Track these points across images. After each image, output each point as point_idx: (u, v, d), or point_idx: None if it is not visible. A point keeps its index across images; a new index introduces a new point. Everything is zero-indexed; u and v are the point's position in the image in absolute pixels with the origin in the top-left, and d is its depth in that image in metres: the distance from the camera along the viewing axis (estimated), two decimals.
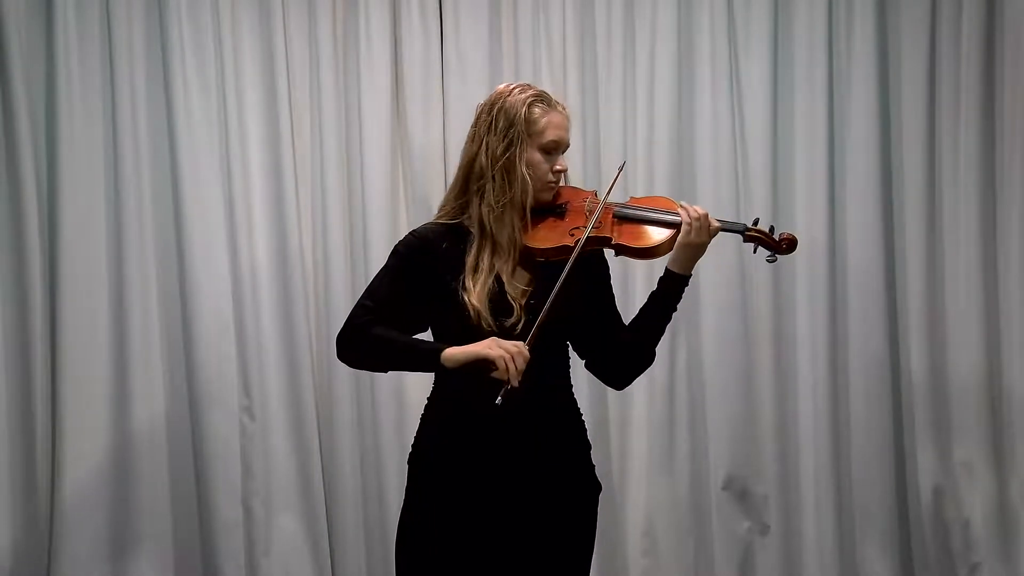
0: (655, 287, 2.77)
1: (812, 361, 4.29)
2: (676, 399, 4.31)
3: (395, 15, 4.21)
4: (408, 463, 2.71)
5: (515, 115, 2.63)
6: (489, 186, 2.63)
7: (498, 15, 4.26)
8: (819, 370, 4.29)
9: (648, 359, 2.80)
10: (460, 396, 2.63)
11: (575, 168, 4.21)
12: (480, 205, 2.64)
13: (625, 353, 2.77)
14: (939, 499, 4.23)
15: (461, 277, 2.61)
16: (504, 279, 2.62)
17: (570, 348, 2.79)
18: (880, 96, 4.27)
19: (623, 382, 2.85)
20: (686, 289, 2.77)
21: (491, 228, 2.63)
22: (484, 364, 2.49)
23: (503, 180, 2.63)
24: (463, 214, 2.69)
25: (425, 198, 4.17)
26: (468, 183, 2.67)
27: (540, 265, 2.67)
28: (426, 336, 2.71)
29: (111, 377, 3.98)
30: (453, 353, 2.53)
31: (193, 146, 4.06)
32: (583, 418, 2.78)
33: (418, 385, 3.94)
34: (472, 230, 2.66)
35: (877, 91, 4.26)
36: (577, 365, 2.82)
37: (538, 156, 2.65)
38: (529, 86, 2.70)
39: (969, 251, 4.20)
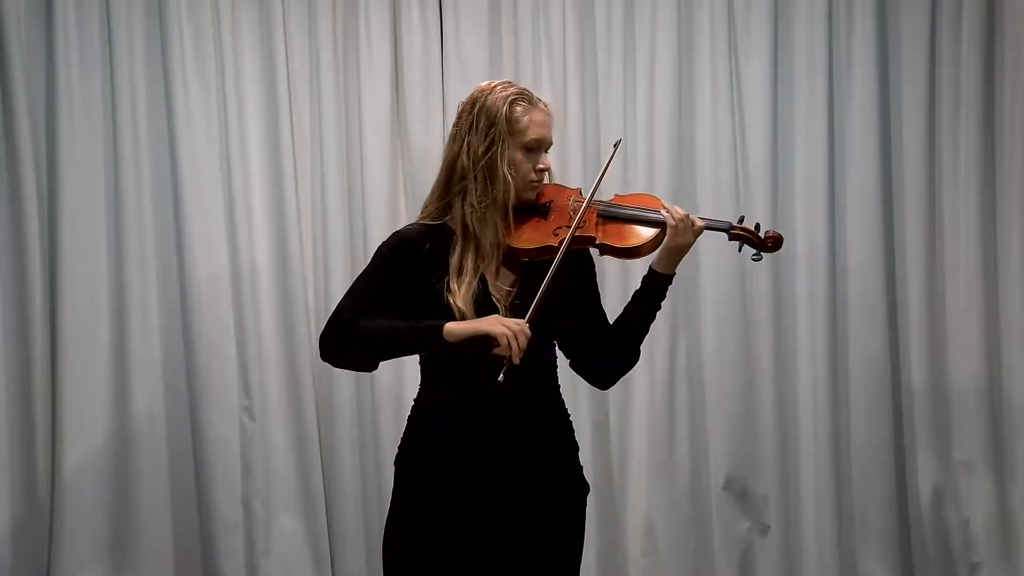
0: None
1: (812, 361, 4.29)
2: (676, 399, 4.31)
3: (395, 15, 4.21)
4: (395, 464, 2.69)
5: (496, 114, 2.60)
6: (471, 186, 2.60)
7: (498, 15, 4.26)
8: (819, 370, 4.29)
9: (633, 358, 2.76)
10: (447, 397, 2.61)
11: (575, 168, 4.21)
12: (462, 206, 2.61)
13: (610, 352, 2.74)
14: (939, 499, 4.23)
15: (445, 279, 2.58)
16: (488, 280, 2.59)
17: (557, 349, 2.76)
18: (880, 96, 4.27)
19: (608, 382, 2.81)
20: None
21: (474, 229, 2.60)
22: (486, 340, 2.47)
23: (485, 180, 2.59)
24: (446, 215, 2.65)
25: (425, 198, 4.16)
26: (450, 183, 2.64)
27: (524, 265, 2.64)
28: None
29: (111, 377, 3.98)
30: (455, 328, 2.50)
31: (193, 146, 4.06)
32: (571, 419, 2.76)
33: (418, 385, 3.93)
34: (455, 231, 2.62)
35: (877, 91, 4.26)
36: (566, 366, 2.80)
37: (520, 155, 2.62)
38: (511, 83, 2.67)
39: (969, 251, 4.20)
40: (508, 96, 2.62)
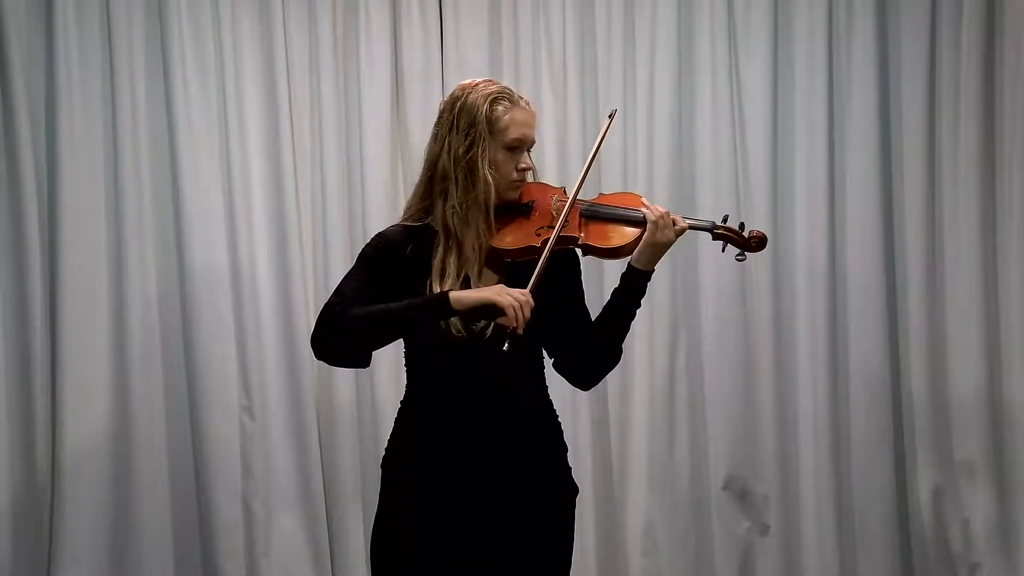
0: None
1: (812, 361, 4.29)
2: (676, 399, 4.31)
3: (395, 15, 4.21)
4: (381, 467, 2.67)
5: (477, 113, 2.57)
6: (452, 187, 2.57)
7: (498, 15, 4.26)
8: (819, 370, 4.29)
9: (615, 358, 2.71)
10: (433, 399, 2.60)
11: (575, 168, 4.21)
12: (444, 206, 2.58)
13: (592, 352, 2.70)
14: (939, 499, 4.23)
15: (428, 281, 2.56)
16: (472, 281, 2.57)
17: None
18: (880, 96, 4.27)
19: (590, 382, 2.77)
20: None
21: (455, 230, 2.57)
22: (492, 309, 2.45)
23: (466, 180, 2.56)
24: (428, 215, 2.63)
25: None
26: (432, 184, 2.61)
27: (508, 266, 2.62)
28: (397, 345, 2.65)
29: (111, 377, 3.98)
30: (463, 297, 2.46)
31: (193, 146, 4.05)
32: (559, 419, 2.73)
33: None
34: (438, 232, 2.60)
35: (877, 91, 4.26)
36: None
37: (502, 155, 2.58)
38: (492, 82, 2.64)
39: (969, 251, 4.20)
40: (489, 95, 2.59)
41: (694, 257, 4.26)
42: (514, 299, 2.44)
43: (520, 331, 2.44)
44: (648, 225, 2.59)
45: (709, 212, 4.10)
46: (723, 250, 2.75)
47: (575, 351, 2.71)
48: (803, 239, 4.30)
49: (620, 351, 2.71)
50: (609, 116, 2.73)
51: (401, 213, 4.16)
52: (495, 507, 2.58)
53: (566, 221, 2.58)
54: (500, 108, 2.58)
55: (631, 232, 2.62)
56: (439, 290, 2.53)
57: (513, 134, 2.59)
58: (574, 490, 2.70)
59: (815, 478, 4.29)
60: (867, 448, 4.28)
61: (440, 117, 2.63)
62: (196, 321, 4.07)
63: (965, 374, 4.21)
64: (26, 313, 3.87)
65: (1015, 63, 4.16)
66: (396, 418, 2.69)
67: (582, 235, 2.61)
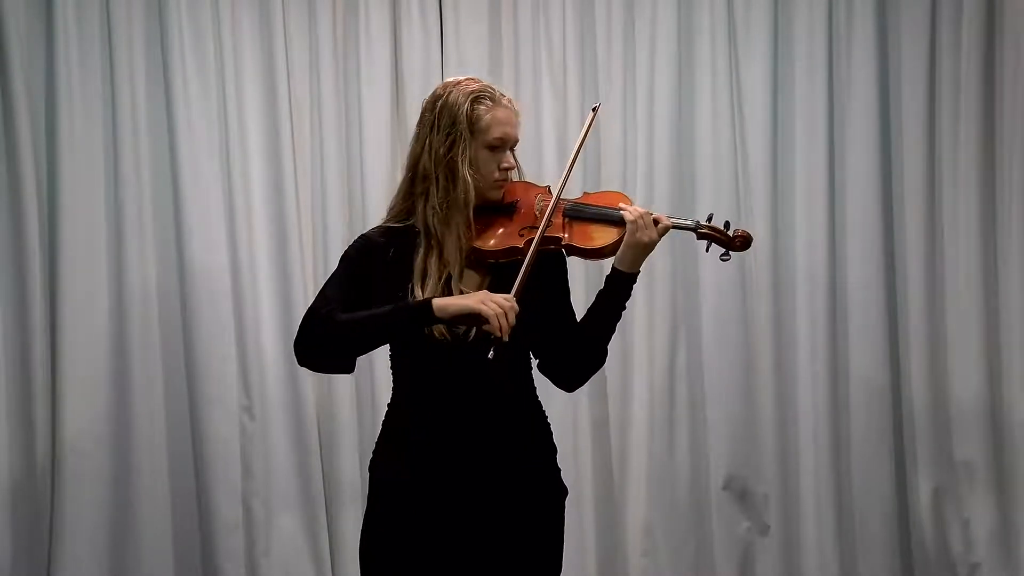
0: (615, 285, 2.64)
1: (812, 361, 4.29)
2: (676, 399, 4.31)
3: (395, 15, 4.21)
4: (369, 470, 2.64)
5: (458, 112, 2.53)
6: (433, 187, 2.53)
7: (498, 15, 4.26)
8: (819, 370, 4.29)
9: (600, 359, 2.68)
10: (419, 402, 2.56)
11: (575, 167, 4.20)
12: (425, 207, 2.54)
13: (576, 353, 2.66)
14: (939, 500, 4.23)
15: (410, 284, 2.53)
16: (454, 283, 2.53)
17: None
18: (880, 96, 4.27)
19: (575, 383, 2.72)
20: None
21: (436, 231, 2.53)
22: (475, 317, 2.42)
23: (447, 181, 2.53)
24: (411, 216, 2.59)
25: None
26: (413, 184, 2.57)
27: (491, 267, 2.58)
28: (383, 349, 2.63)
29: (111, 377, 3.98)
30: (446, 304, 2.43)
31: (193, 146, 4.06)
32: (548, 421, 2.69)
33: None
34: (420, 233, 2.56)
35: (877, 91, 4.26)
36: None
37: (484, 154, 2.55)
38: (474, 80, 2.61)
39: (969, 250, 4.20)
40: (470, 93, 2.56)
41: (694, 257, 4.26)
42: (497, 306, 2.40)
43: (505, 338, 2.41)
44: (627, 226, 2.54)
45: (710, 211, 4.09)
46: (707, 250, 2.70)
47: (560, 352, 2.67)
48: (803, 238, 4.30)
49: (605, 352, 2.68)
50: (593, 109, 2.70)
51: None
52: (484, 510, 2.55)
53: (550, 221, 2.54)
54: (481, 107, 2.55)
55: (616, 232, 2.57)
56: (420, 292, 2.51)
57: (495, 133, 2.55)
58: (563, 491, 2.67)
59: (815, 478, 4.29)
60: (867, 448, 4.28)
61: (422, 116, 2.60)
62: (196, 321, 4.07)
63: (965, 374, 4.20)
64: (26, 313, 3.87)
65: (1015, 63, 4.16)
66: (383, 421, 2.65)
67: (565, 235, 2.57)
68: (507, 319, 2.40)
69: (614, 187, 4.17)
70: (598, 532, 4.25)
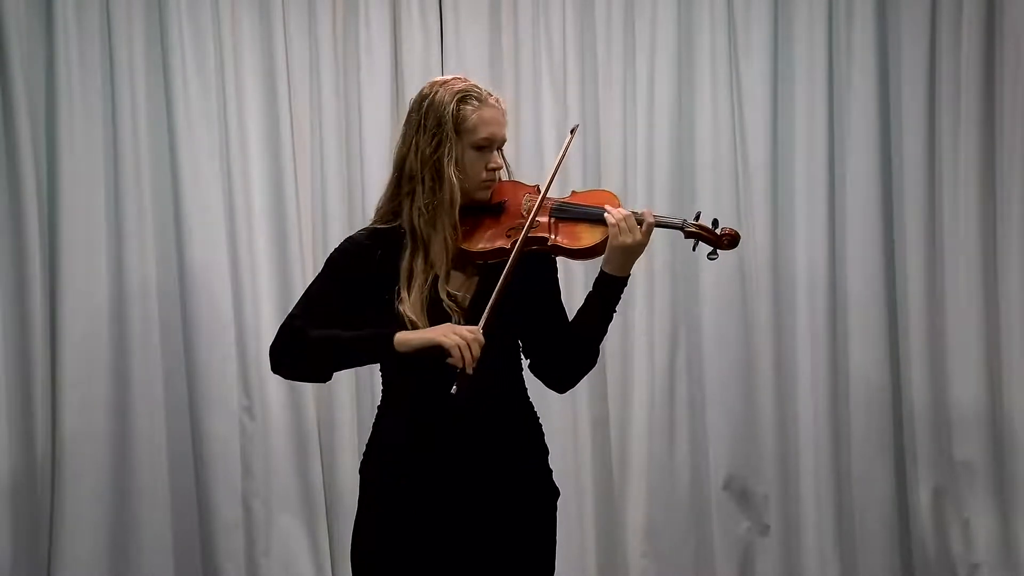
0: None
1: (812, 360, 4.29)
2: (676, 399, 4.31)
3: (395, 15, 4.21)
4: (360, 471, 2.61)
5: (443, 113, 2.49)
6: (419, 188, 2.50)
7: (498, 15, 4.26)
8: (819, 370, 4.29)
9: (591, 360, 2.63)
10: (409, 404, 2.53)
11: (575, 169, 4.21)
12: (411, 208, 2.51)
13: (568, 354, 2.62)
14: (939, 500, 4.23)
15: (396, 287, 2.50)
16: (440, 285, 2.50)
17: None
18: (880, 96, 4.27)
19: (566, 384, 2.67)
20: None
21: (422, 232, 2.50)
22: (438, 350, 2.38)
23: (432, 182, 2.49)
24: (398, 218, 2.55)
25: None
26: (399, 185, 2.54)
27: (479, 268, 2.54)
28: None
29: (111, 377, 3.98)
30: (407, 338, 2.42)
31: (193, 146, 4.05)
32: (540, 422, 2.66)
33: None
34: (406, 234, 2.53)
35: (877, 91, 4.26)
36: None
37: (471, 154, 2.51)
38: (460, 79, 2.57)
39: (969, 250, 4.20)
40: (456, 93, 2.52)
41: (694, 256, 4.24)
42: (460, 338, 2.37)
43: (469, 371, 2.37)
44: (609, 228, 2.49)
45: (709, 212, 4.08)
46: (694, 248, 2.63)
47: (551, 353, 2.63)
48: (803, 238, 4.30)
49: (596, 353, 2.63)
50: (571, 132, 2.65)
51: None
52: (475, 513, 2.52)
53: (535, 222, 2.51)
54: (468, 107, 2.51)
55: (603, 231, 2.51)
56: (407, 294, 2.48)
57: (482, 133, 2.52)
58: (555, 493, 2.63)
59: (815, 478, 4.29)
60: (867, 448, 4.28)
61: (408, 116, 2.56)
62: (196, 321, 4.07)
63: (965, 373, 4.20)
64: (26, 313, 3.87)
65: (1015, 63, 4.16)
66: (374, 422, 2.62)
67: (552, 235, 2.53)
68: (471, 351, 2.37)
69: (614, 187, 4.17)
70: (598, 532, 4.25)
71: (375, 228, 2.59)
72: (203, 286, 4.06)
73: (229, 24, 4.10)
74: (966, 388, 4.21)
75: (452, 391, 2.37)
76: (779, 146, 4.32)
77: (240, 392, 4.12)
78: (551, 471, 2.65)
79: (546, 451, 2.65)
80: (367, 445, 2.63)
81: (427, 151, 2.50)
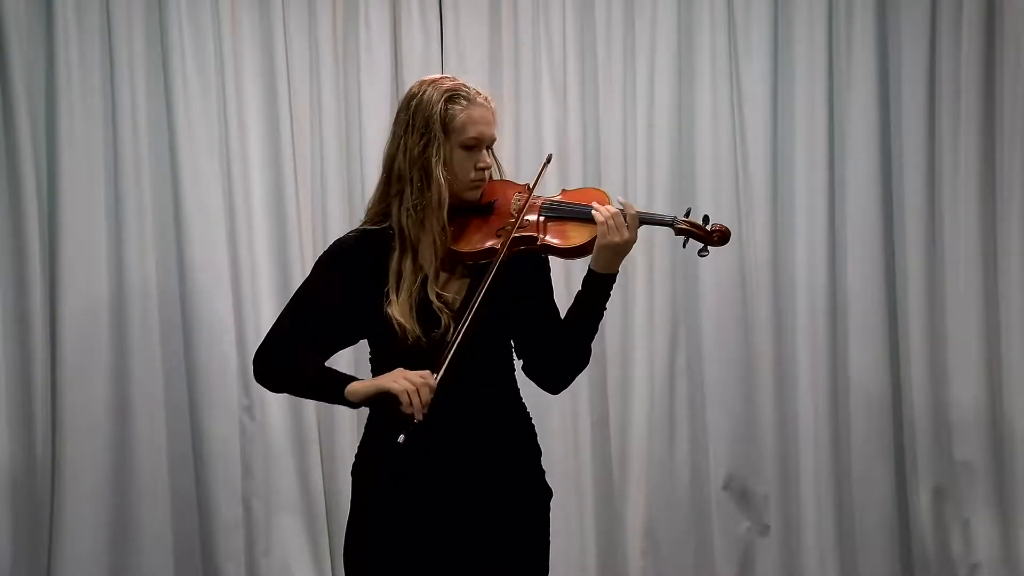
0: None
1: (812, 360, 4.29)
2: (676, 399, 4.31)
3: (395, 15, 4.21)
4: (351, 474, 2.60)
5: (431, 112, 2.47)
6: (407, 189, 2.48)
7: (498, 15, 4.26)
8: (819, 369, 4.30)
9: (582, 360, 2.60)
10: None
11: (575, 169, 4.21)
12: (399, 209, 2.49)
13: (559, 354, 2.59)
14: (939, 500, 4.23)
15: (385, 289, 2.48)
16: (429, 287, 2.48)
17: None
18: (880, 96, 4.27)
19: (559, 384, 2.64)
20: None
21: (410, 234, 2.48)
22: (389, 396, 2.38)
23: (421, 182, 2.47)
24: (387, 219, 2.53)
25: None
26: (388, 186, 2.52)
27: (469, 269, 2.52)
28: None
29: (111, 377, 3.98)
30: (356, 388, 2.45)
31: (193, 146, 4.05)
32: (532, 422, 2.64)
33: None
34: (395, 235, 2.51)
35: (877, 91, 4.27)
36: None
37: (459, 154, 2.49)
38: (448, 78, 2.54)
39: (969, 252, 4.20)
40: (444, 92, 2.49)
41: (694, 256, 4.24)
42: (409, 383, 2.37)
43: (418, 417, 2.36)
44: (598, 227, 2.47)
45: (709, 212, 4.08)
46: (684, 245, 2.59)
47: (543, 353, 2.60)
48: (803, 237, 4.30)
49: (588, 352, 2.59)
50: (544, 163, 2.61)
51: None
52: (468, 514, 2.50)
53: (524, 222, 2.49)
54: (456, 106, 2.49)
55: (593, 230, 2.49)
56: (395, 296, 2.46)
57: (470, 132, 2.49)
58: (548, 494, 2.62)
59: (815, 478, 4.29)
60: (867, 448, 4.28)
61: (397, 116, 2.54)
62: (196, 321, 4.07)
63: (965, 373, 4.20)
64: (26, 313, 3.87)
65: (1015, 63, 4.16)
66: (365, 424, 2.61)
67: (541, 234, 2.51)
68: (419, 396, 2.36)
69: (615, 187, 4.17)
70: (598, 532, 4.25)
71: (365, 229, 2.58)
72: (203, 286, 4.06)
73: (229, 24, 4.10)
74: (966, 388, 4.21)
75: (399, 440, 2.36)
76: (779, 146, 4.32)
77: (240, 392, 4.12)
78: (544, 471, 2.64)
79: (539, 452, 2.64)
80: (359, 447, 2.62)
81: (415, 151, 2.48)
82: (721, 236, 2.55)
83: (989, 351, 4.22)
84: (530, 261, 2.58)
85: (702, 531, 4.32)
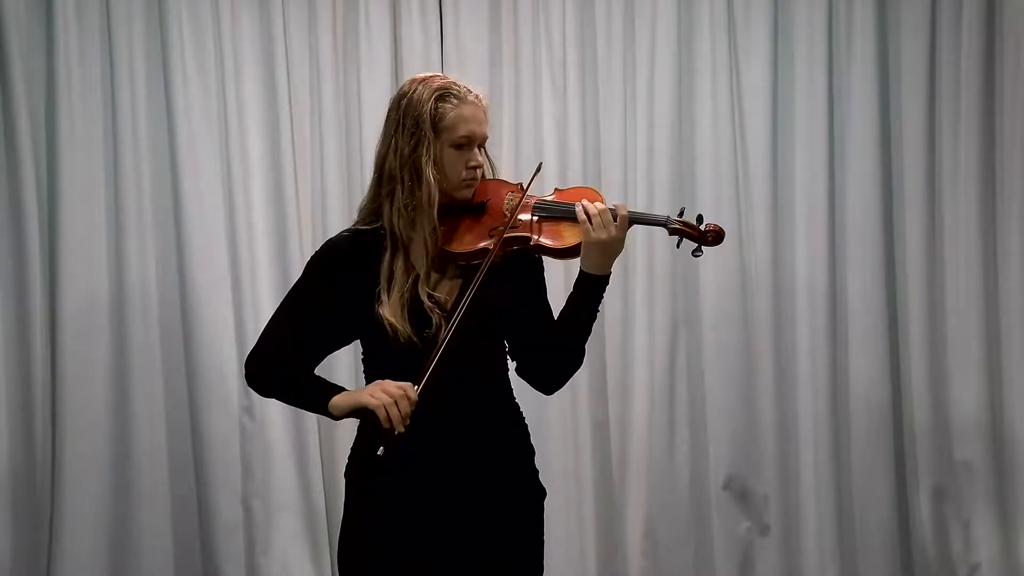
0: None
1: (812, 360, 4.29)
2: (676, 399, 4.31)
3: (395, 15, 4.21)
4: (345, 475, 2.58)
5: (421, 111, 2.44)
6: (398, 189, 2.45)
7: (498, 14, 4.26)
8: (819, 369, 4.29)
9: (576, 361, 2.57)
10: None
11: (575, 169, 4.21)
12: (390, 209, 2.47)
13: (552, 355, 2.57)
14: (939, 500, 4.23)
15: (377, 289, 2.46)
16: (421, 287, 2.46)
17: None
18: (880, 96, 4.27)
19: (553, 385, 2.62)
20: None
21: (401, 234, 2.46)
22: (367, 411, 2.38)
23: (411, 182, 2.44)
24: (379, 219, 2.51)
25: None
26: (380, 186, 2.50)
27: (462, 269, 2.50)
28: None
29: (111, 378, 3.98)
30: (338, 402, 2.44)
31: (193, 145, 4.05)
32: (526, 421, 2.62)
33: None
34: (386, 235, 2.49)
35: (877, 91, 4.27)
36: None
37: (450, 153, 2.46)
38: (439, 76, 2.53)
39: (969, 253, 4.20)
40: (435, 91, 2.47)
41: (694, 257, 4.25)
42: (388, 396, 2.36)
43: (399, 429, 2.34)
44: (580, 224, 2.44)
45: (709, 212, 4.10)
46: (678, 246, 2.55)
47: (536, 354, 2.58)
48: (803, 238, 4.30)
49: (582, 353, 2.57)
50: (535, 171, 2.57)
51: None
52: (462, 514, 2.49)
53: (517, 222, 2.47)
54: (447, 105, 2.46)
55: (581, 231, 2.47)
56: (387, 297, 2.45)
57: (460, 131, 2.47)
58: (541, 493, 2.60)
59: (815, 478, 4.29)
60: (867, 448, 4.28)
61: (387, 115, 2.52)
62: (196, 321, 4.07)
63: (965, 375, 4.20)
64: (26, 313, 3.87)
65: (1015, 63, 4.16)
66: (358, 426, 2.58)
67: (534, 234, 2.48)
68: (397, 409, 2.35)
69: (614, 186, 4.17)
70: (598, 532, 4.25)
71: (357, 229, 2.56)
72: (203, 285, 4.06)
73: (229, 23, 4.10)
74: (966, 389, 4.21)
75: (378, 453, 2.36)
76: (779, 146, 4.32)
77: (240, 392, 4.11)
78: (537, 471, 2.62)
79: (532, 451, 2.62)
80: (352, 448, 2.60)
81: (405, 151, 2.46)
82: (715, 236, 2.52)
83: (989, 351, 4.22)
84: (524, 261, 2.56)
85: (702, 531, 4.32)
